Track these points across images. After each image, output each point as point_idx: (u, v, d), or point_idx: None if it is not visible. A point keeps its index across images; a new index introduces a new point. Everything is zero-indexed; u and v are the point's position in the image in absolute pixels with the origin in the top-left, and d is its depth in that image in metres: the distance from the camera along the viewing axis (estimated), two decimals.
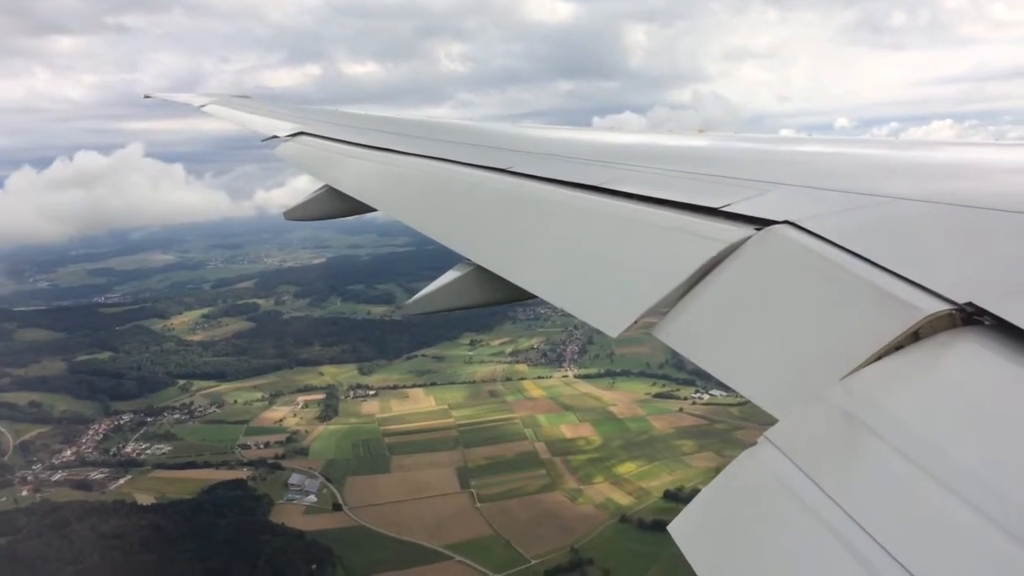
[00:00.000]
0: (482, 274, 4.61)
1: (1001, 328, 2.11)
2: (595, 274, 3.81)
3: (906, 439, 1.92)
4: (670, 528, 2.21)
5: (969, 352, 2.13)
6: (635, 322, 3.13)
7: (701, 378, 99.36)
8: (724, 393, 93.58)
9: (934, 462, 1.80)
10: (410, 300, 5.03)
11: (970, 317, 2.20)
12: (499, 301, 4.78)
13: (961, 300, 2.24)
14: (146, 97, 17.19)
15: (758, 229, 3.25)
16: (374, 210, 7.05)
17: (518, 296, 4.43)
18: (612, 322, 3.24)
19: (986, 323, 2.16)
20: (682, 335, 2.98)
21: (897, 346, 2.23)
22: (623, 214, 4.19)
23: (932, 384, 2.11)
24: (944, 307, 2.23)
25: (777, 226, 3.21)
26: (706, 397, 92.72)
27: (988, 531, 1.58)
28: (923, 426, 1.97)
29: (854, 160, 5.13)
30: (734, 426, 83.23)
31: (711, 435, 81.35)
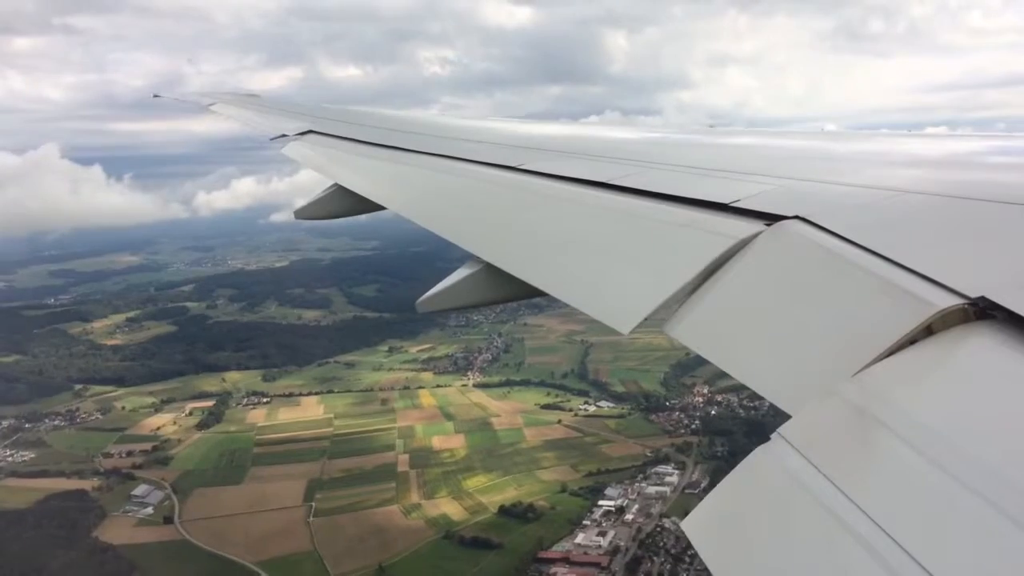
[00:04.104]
0: (492, 272, 4.58)
1: (1014, 322, 2.09)
2: (605, 271, 3.81)
3: (920, 435, 1.91)
4: (683, 525, 2.15)
5: (983, 347, 2.11)
6: (646, 319, 3.10)
7: (596, 389, 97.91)
8: (612, 404, 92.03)
9: (948, 458, 1.79)
10: (421, 299, 4.95)
11: (983, 312, 2.17)
12: (509, 299, 4.79)
13: (973, 295, 2.22)
14: (155, 96, 17.40)
15: (768, 225, 3.23)
16: (383, 208, 7.00)
17: (528, 293, 4.39)
18: (623, 319, 3.19)
19: (999, 317, 2.14)
20: (693, 331, 2.94)
21: (910, 341, 2.21)
22: (633, 210, 4.20)
23: (945, 379, 2.11)
24: (957, 302, 2.21)
25: (788, 221, 3.20)
26: (592, 409, 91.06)
27: (1005, 527, 1.56)
28: (937, 421, 1.95)
29: (863, 155, 5.19)
30: (603, 439, 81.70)
31: (577, 448, 79.61)
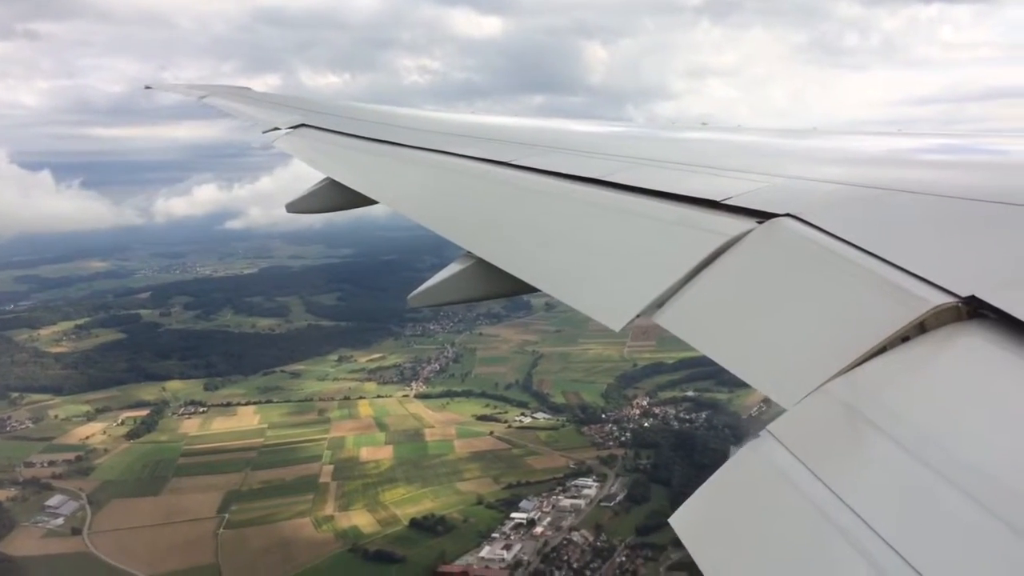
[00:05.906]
0: (483, 267, 4.58)
1: (1005, 321, 2.08)
2: (597, 267, 3.82)
3: (909, 433, 1.91)
4: (671, 520, 2.11)
5: (973, 346, 2.10)
6: (637, 315, 3.10)
7: (537, 400, 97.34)
8: (548, 416, 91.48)
9: (937, 456, 1.80)
10: (412, 294, 4.94)
11: (975, 310, 2.18)
12: (500, 294, 4.81)
13: (964, 293, 2.22)
14: (147, 88, 17.71)
15: (760, 222, 3.22)
16: (375, 202, 7.05)
17: (519, 289, 4.41)
18: (614, 316, 3.19)
19: (990, 316, 2.14)
20: (684, 321, 2.94)
21: (903, 338, 2.20)
22: (624, 207, 4.18)
23: (935, 378, 2.10)
24: (949, 300, 2.21)
25: (779, 219, 3.19)
26: (527, 420, 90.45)
27: (992, 526, 1.57)
28: (927, 420, 1.95)
29: (855, 153, 5.18)
30: (530, 451, 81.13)
31: (502, 460, 79.01)
